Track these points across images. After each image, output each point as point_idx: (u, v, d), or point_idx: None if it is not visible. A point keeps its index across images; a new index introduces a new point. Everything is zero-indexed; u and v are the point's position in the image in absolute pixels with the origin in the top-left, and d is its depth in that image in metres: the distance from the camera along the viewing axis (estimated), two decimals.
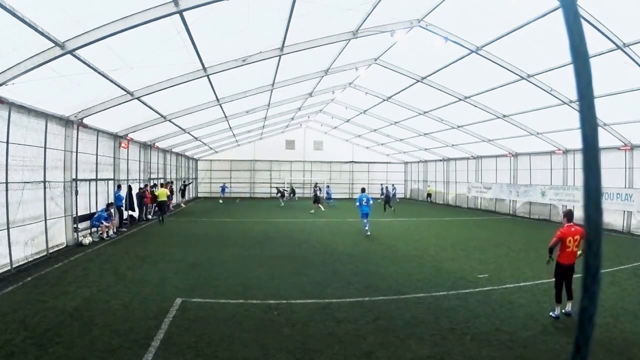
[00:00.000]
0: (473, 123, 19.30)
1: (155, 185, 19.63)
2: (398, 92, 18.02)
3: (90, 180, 12.94)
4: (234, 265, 9.42)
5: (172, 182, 22.32)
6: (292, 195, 31.66)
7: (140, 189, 17.67)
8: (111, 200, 14.24)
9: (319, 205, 22.69)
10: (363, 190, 14.49)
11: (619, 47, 9.62)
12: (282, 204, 26.47)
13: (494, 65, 12.53)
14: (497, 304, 6.71)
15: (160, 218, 17.29)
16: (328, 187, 30.03)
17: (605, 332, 5.42)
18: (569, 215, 6.39)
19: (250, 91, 15.23)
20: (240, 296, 7.01)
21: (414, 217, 20.89)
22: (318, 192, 24.51)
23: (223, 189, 30.94)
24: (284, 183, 33.10)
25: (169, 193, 18.81)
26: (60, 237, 10.95)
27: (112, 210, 13.77)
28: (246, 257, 10.34)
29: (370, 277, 8.43)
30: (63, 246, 11.01)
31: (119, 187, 15.11)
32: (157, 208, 18.02)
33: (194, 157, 32.05)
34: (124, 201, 15.12)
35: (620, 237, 14.55)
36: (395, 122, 23.44)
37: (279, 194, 28.33)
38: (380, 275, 8.61)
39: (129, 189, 15.81)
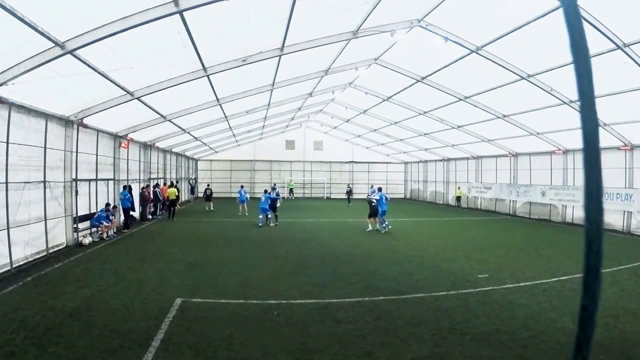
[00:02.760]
0: (473, 123, 19.30)
1: (157, 185, 19.63)
2: (398, 92, 18.01)
3: (90, 180, 12.94)
4: (234, 265, 9.42)
5: (172, 183, 22.34)
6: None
7: (142, 188, 17.69)
8: (111, 200, 14.22)
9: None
10: (266, 191, 17.36)
11: (619, 47, 9.61)
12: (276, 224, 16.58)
13: (494, 65, 12.53)
14: (497, 304, 6.71)
15: (170, 215, 18.52)
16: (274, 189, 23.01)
17: (605, 332, 5.42)
18: None
19: (250, 91, 15.23)
20: (240, 296, 7.01)
21: (413, 217, 20.88)
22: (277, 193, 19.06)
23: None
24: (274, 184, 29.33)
25: (177, 192, 19.94)
26: (60, 237, 10.94)
27: (114, 212, 13.78)
28: (246, 257, 10.34)
29: (370, 277, 8.43)
30: (63, 246, 11.00)
31: (125, 187, 15.08)
32: (168, 206, 19.12)
33: (194, 157, 32.06)
34: (129, 202, 15.06)
35: (620, 237, 14.54)
36: (395, 122, 23.43)
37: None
38: (380, 275, 8.60)
39: (130, 188, 15.82)
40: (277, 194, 19.09)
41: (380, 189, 16.10)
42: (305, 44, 11.49)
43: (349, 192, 29.76)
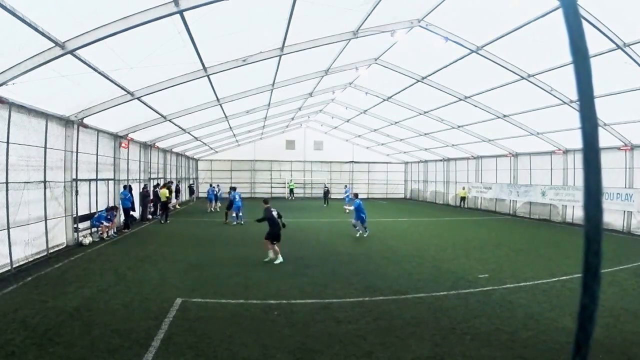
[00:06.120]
0: (473, 123, 19.30)
1: (158, 185, 19.58)
2: (398, 92, 18.02)
3: (90, 180, 12.94)
4: (234, 265, 9.42)
5: (171, 182, 22.28)
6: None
7: (144, 188, 17.67)
8: (111, 200, 14.22)
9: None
10: (235, 189, 17.49)
11: (619, 47, 9.61)
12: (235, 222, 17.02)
13: (494, 65, 12.53)
14: (497, 304, 6.71)
15: (161, 218, 17.40)
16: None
17: (605, 332, 5.42)
18: None
19: (250, 91, 15.23)
20: (240, 296, 7.01)
21: (413, 217, 20.88)
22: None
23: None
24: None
25: (167, 194, 18.22)
26: (60, 237, 10.95)
27: (115, 212, 13.77)
28: (246, 257, 10.33)
29: (371, 277, 8.43)
30: (63, 246, 11.00)
31: (125, 187, 15.05)
32: (161, 208, 18.06)
33: (194, 157, 32.05)
34: (130, 202, 15.00)
35: (620, 237, 14.54)
36: (396, 122, 23.44)
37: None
38: (381, 275, 8.61)
39: (130, 188, 15.84)
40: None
41: (356, 195, 15.08)
42: (305, 44, 11.49)
43: (326, 193, 28.90)
